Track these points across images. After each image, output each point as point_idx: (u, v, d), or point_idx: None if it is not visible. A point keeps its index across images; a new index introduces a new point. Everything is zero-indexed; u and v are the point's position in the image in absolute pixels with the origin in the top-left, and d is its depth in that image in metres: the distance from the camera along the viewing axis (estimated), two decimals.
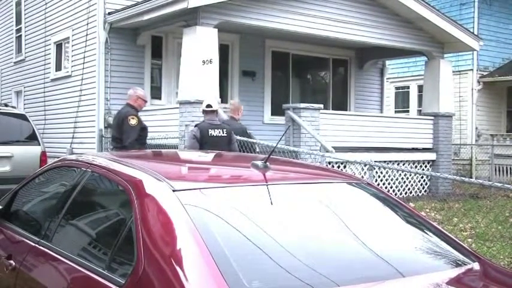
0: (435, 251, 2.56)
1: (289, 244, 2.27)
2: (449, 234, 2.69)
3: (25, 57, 14.91)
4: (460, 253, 2.53)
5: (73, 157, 3.48)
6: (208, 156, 3.88)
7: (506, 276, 2.52)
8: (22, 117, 9.79)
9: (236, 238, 2.25)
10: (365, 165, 9.55)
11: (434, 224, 2.78)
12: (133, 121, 7.34)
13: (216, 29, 9.66)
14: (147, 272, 2.08)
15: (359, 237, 2.45)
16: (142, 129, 7.63)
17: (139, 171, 2.64)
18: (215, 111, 7.38)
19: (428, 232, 2.68)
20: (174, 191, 2.38)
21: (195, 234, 2.14)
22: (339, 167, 10.21)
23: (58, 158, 3.73)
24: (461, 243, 2.64)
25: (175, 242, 2.17)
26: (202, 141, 6.99)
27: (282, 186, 2.72)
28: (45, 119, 13.37)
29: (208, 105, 7.32)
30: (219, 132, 7.13)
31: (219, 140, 7.03)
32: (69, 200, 2.93)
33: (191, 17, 9.65)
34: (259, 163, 2.74)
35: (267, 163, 2.73)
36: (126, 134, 7.32)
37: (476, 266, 2.45)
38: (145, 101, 7.96)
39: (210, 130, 7.08)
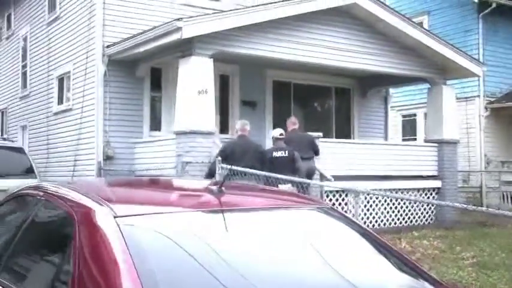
0: (393, 276, 2.42)
1: (233, 274, 2.13)
2: (410, 259, 2.55)
3: (29, 92, 15.05)
4: (419, 278, 2.39)
5: (33, 185, 3.40)
6: (170, 182, 3.77)
7: None
8: (20, 150, 9.85)
9: (177, 269, 2.12)
10: (365, 194, 9.39)
11: (396, 249, 2.63)
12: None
13: (212, 59, 9.62)
14: None
15: (315, 264, 2.33)
16: None
17: (85, 197, 2.55)
18: (282, 139, 9.18)
19: (388, 256, 2.54)
20: (115, 217, 2.27)
21: (129, 266, 2.02)
22: (337, 194, 10.03)
23: None
24: (421, 268, 2.50)
25: (109, 274, 2.06)
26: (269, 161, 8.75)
27: (233, 213, 2.58)
28: (48, 153, 13.39)
29: (281, 134, 9.24)
30: (282, 153, 8.89)
31: (282, 160, 8.72)
32: (21, 230, 2.85)
33: (186, 48, 9.65)
34: (214, 188, 2.64)
35: (222, 188, 2.63)
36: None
37: None
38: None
39: (274, 152, 8.96)
